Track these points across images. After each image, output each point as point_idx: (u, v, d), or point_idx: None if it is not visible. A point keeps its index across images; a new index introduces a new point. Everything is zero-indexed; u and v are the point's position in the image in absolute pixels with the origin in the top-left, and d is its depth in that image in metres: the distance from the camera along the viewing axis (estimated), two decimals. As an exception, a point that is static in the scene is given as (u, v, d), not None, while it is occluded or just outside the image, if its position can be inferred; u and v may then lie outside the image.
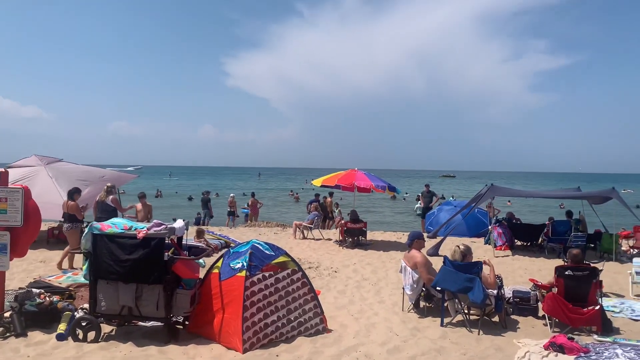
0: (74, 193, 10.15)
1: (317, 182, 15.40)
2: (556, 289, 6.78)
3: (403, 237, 15.00)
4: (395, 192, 15.53)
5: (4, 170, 6.69)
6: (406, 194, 51.07)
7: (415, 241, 7.72)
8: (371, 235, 15.86)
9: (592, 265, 6.99)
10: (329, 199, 19.68)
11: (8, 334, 5.91)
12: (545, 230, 13.72)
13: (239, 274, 5.89)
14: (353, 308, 7.58)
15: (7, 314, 6.20)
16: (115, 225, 6.06)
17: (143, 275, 5.78)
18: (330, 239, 15.12)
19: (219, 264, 6.27)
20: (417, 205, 36.05)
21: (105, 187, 11.41)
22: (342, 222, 14.94)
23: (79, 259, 9.81)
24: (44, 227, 12.96)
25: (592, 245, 13.15)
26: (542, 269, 10.80)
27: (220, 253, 8.90)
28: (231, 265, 6.08)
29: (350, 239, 14.02)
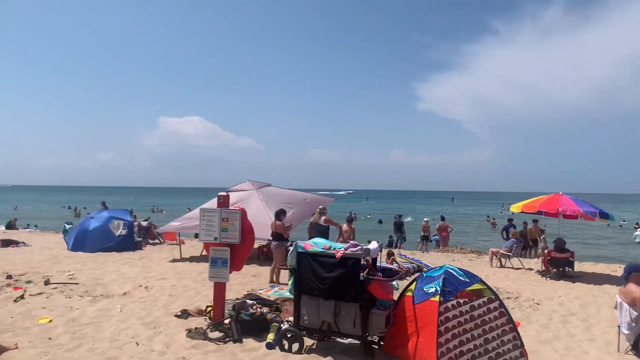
0: (280, 214, 11.12)
1: (516, 208, 14.30)
2: None
3: (619, 270, 13.25)
4: (608, 219, 13.75)
5: (226, 194, 7.69)
6: (624, 221, 45.05)
7: (633, 274, 6.78)
8: (580, 266, 14.35)
9: None
10: (531, 227, 18.27)
11: (227, 339, 6.69)
12: None
13: (432, 299, 5.84)
14: (558, 344, 6.94)
15: (226, 321, 7.04)
16: (317, 244, 6.51)
17: (341, 293, 6.07)
18: (531, 269, 14.07)
19: (412, 287, 6.30)
20: (636, 234, 32.13)
21: (318, 209, 12.46)
22: (546, 250, 13.79)
23: (284, 274, 10.73)
24: (255, 244, 14.48)
25: None
26: None
27: (412, 277, 8.92)
28: (424, 289, 6.06)
29: (555, 270, 12.84)
